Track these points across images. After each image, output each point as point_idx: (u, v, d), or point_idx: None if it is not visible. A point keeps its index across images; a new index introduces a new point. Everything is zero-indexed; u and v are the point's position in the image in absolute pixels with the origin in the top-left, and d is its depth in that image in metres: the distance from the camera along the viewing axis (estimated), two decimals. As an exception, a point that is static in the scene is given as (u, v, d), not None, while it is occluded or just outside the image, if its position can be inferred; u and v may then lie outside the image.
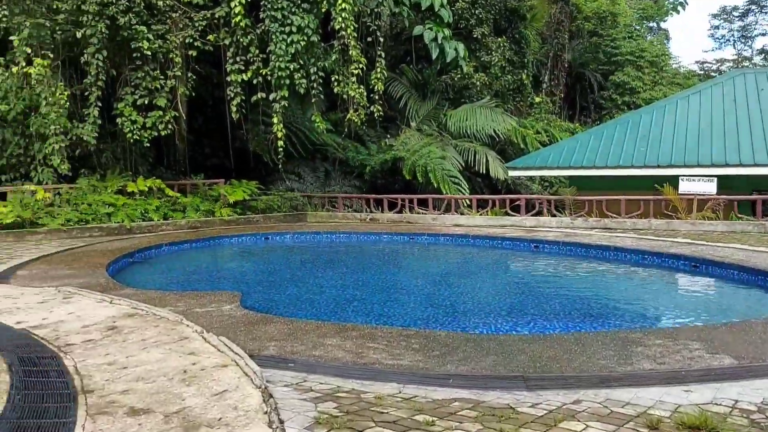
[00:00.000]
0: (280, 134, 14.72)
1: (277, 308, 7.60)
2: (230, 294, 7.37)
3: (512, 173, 18.90)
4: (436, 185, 20.64)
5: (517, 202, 15.97)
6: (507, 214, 15.86)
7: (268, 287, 9.05)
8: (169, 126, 14.45)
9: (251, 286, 9.04)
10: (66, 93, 13.51)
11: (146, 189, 15.24)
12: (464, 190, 21.05)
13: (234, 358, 4.50)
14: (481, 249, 12.69)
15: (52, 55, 13.32)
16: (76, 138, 14.37)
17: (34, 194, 14.00)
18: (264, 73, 14.08)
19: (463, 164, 23.84)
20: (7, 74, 13.25)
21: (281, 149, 15.10)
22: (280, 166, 16.78)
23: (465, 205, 17.22)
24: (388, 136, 23.95)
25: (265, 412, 3.53)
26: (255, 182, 17.71)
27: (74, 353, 4.78)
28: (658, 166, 16.43)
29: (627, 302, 8.21)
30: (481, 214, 15.82)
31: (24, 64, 12.95)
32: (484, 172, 24.12)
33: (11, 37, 13.21)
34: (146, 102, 14.30)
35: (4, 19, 12.85)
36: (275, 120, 14.60)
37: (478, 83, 28.19)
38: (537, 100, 34.41)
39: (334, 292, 8.69)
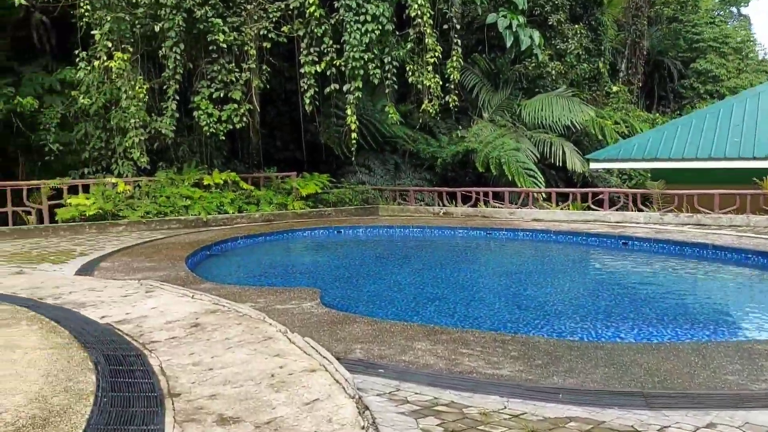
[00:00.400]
0: (353, 126, 14.51)
1: (356, 306, 7.34)
2: (309, 290, 7.16)
3: (593, 166, 18.05)
4: (510, 178, 19.97)
5: (599, 196, 15.18)
6: (589, 208, 15.11)
7: (345, 283, 8.82)
8: (244, 119, 14.47)
9: (328, 282, 8.83)
10: (145, 86, 13.73)
11: (221, 182, 15.36)
12: (539, 182, 20.29)
13: (322, 362, 4.23)
14: (565, 245, 12.06)
15: (131, 49, 13.56)
16: (155, 131, 14.60)
17: (115, 187, 14.32)
18: (338, 64, 13.87)
19: (538, 156, 23.07)
20: (89, 68, 13.56)
21: (354, 141, 14.89)
22: (353, 158, 16.60)
23: (543, 198, 16.55)
24: (460, 127, 23.41)
25: (363, 428, 3.22)
26: (326, 175, 17.59)
27: (159, 351, 4.64)
28: (755, 158, 15.25)
29: (737, 307, 7.51)
30: (561, 208, 15.13)
31: (105, 58, 13.22)
32: (560, 164, 23.27)
33: (93, 32, 13.50)
34: (222, 95, 14.36)
35: (87, 14, 13.14)
36: (348, 111, 14.39)
37: (553, 72, 27.26)
38: (614, 89, 32.99)
39: (413, 290, 8.36)
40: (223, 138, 14.84)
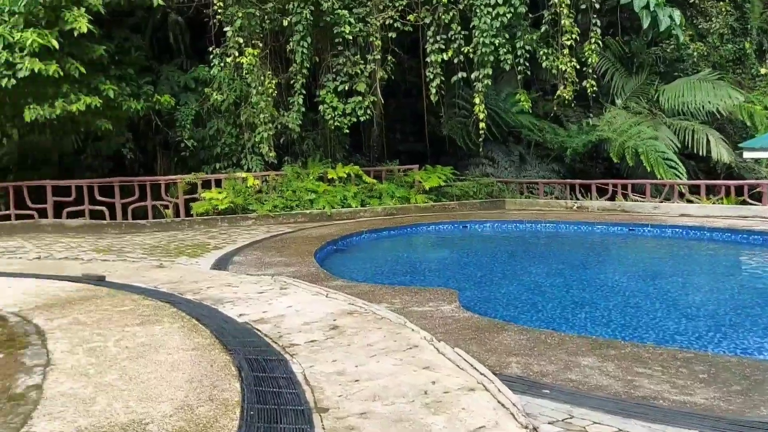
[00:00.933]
0: (481, 115, 13.89)
1: (496, 310, 6.80)
2: (446, 291, 6.71)
3: (747, 155, 16.16)
4: (649, 169, 18.47)
5: (757, 189, 13.54)
6: (744, 202, 13.54)
7: (479, 284, 8.29)
8: (368, 111, 14.29)
9: (461, 282, 8.34)
10: (274, 82, 13.90)
11: (345, 176, 15.31)
12: (681, 174, 18.59)
13: (480, 380, 3.75)
14: (724, 244, 10.80)
15: (261, 45, 13.76)
16: (281, 126, 14.79)
17: (244, 181, 14.66)
18: (466, 51, 13.30)
19: (679, 145, 21.22)
20: (222, 65, 13.92)
21: (482, 132, 14.27)
22: (480, 150, 16.00)
23: (689, 191, 15.08)
24: (591, 115, 22.03)
25: (545, 468, 2.71)
26: (449, 168, 17.09)
27: (300, 356, 4.37)
28: None
29: None
30: (714, 202, 13.67)
31: (237, 54, 13.50)
32: (703, 153, 21.27)
33: (225, 29, 13.84)
34: (346, 88, 14.27)
35: (219, 11, 13.48)
36: (477, 100, 13.79)
37: (695, 54, 25.04)
38: (762, 71, 29.81)
39: (557, 293, 7.68)
40: (347, 131, 14.75)
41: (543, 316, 6.55)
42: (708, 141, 21.46)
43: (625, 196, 15.47)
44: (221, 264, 8.88)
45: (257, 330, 5.10)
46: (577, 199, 15.71)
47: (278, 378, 3.94)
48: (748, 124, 23.05)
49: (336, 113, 14.24)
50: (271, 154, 14.43)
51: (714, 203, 13.65)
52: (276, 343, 4.74)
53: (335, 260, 10.03)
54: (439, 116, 19.94)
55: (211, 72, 14.63)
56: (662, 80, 24.40)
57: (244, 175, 14.73)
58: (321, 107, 14.47)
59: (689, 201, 14.15)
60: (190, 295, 6.46)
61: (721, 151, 20.99)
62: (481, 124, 14.03)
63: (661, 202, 14.63)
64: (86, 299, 6.18)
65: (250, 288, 6.71)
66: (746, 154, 16.07)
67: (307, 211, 14.41)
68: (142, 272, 7.84)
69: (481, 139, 14.77)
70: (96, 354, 4.39)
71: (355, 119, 14.47)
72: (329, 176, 15.22)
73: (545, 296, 7.52)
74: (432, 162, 18.22)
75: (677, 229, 11.80)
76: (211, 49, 14.35)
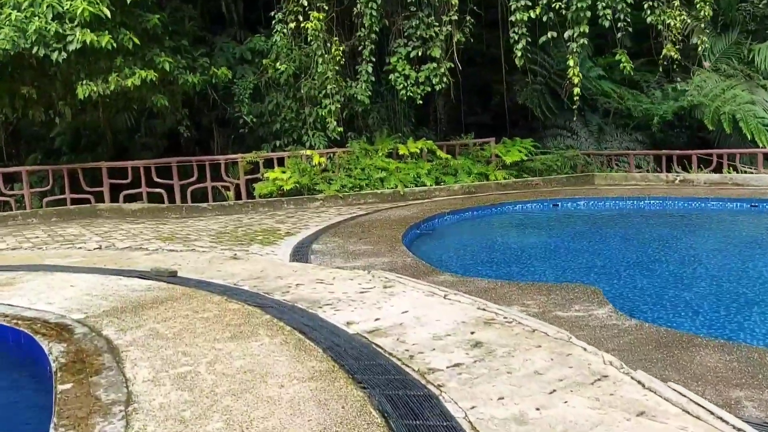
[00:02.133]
0: (576, 80, 12.53)
1: (647, 311, 5.65)
2: (586, 289, 5.60)
3: None
4: (749, 137, 16.77)
5: None
6: None
7: (608, 277, 7.10)
8: (444, 80, 13.10)
9: (582, 274, 7.19)
10: (342, 48, 12.82)
11: (417, 151, 14.20)
12: (784, 141, 16.86)
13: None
14: None
15: (326, 7, 12.68)
16: (347, 98, 13.75)
17: (309, 159, 13.73)
18: (557, 6, 11.93)
19: (784, 109, 19.32)
20: (285, 31, 12.89)
21: (577, 98, 12.91)
22: (574, 119, 14.69)
23: None
24: (679, 79, 20.25)
25: None
26: (530, 140, 15.78)
27: (449, 389, 3.35)
28: None
29: None
30: None
31: (301, 18, 12.47)
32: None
33: (283, -5, 12.84)
34: (419, 54, 13.08)
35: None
36: (571, 63, 12.41)
37: (794, 7, 22.84)
38: None
39: (709, 288, 6.46)
40: (421, 102, 13.60)
41: (706, 320, 5.37)
42: (815, 103, 19.44)
43: (733, 168, 13.93)
44: (300, 253, 7.95)
45: (377, 346, 4.10)
46: (677, 172, 14.23)
47: (437, 429, 2.93)
48: None
49: (408, 82, 13.10)
50: (338, 129, 13.41)
51: None
52: (408, 366, 3.73)
53: (424, 247, 8.99)
54: (512, 85, 18.58)
55: (273, 39, 13.66)
56: (754, 39, 22.34)
57: (308, 152, 13.79)
58: (392, 76, 13.34)
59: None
60: (278, 295, 5.52)
61: (830, 115, 19.00)
62: (576, 90, 12.66)
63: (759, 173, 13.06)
64: (161, 302, 5.32)
65: (346, 285, 5.74)
66: None
67: (378, 191, 13.39)
68: (216, 265, 6.97)
69: (576, 107, 13.41)
70: (188, 385, 3.47)
71: (429, 88, 13.30)
72: (400, 152, 14.15)
73: (695, 292, 6.31)
74: (502, 135, 16.93)
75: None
76: (272, 14, 13.36)
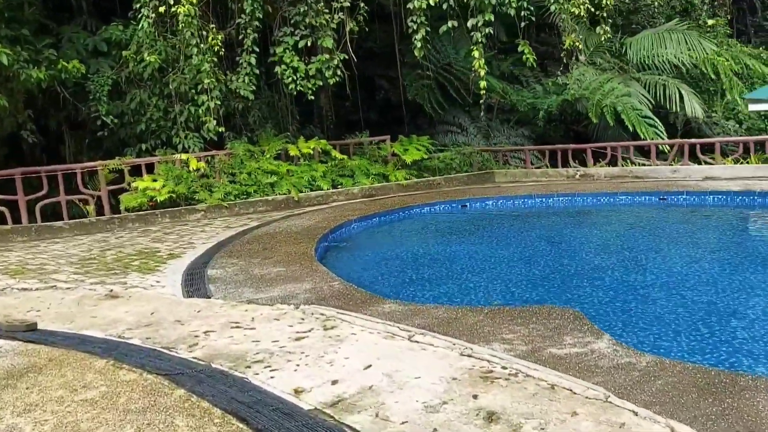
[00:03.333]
0: (482, 72, 11.93)
1: (640, 337, 4.94)
2: (566, 312, 4.79)
3: (754, 108, 15.17)
4: (631, 129, 17.28)
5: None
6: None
7: (566, 290, 6.39)
8: (338, 73, 12.02)
9: (534, 287, 6.45)
10: (219, 37, 11.33)
11: (310, 152, 13.02)
12: (661, 132, 17.53)
13: None
14: None
15: (199, -9, 11.16)
16: (226, 94, 12.28)
17: (185, 165, 12.10)
18: (458, -7, 11.28)
19: (653, 102, 20.21)
20: (151, 18, 11.17)
21: (484, 93, 12.35)
22: (482, 114, 14.15)
23: (667, 150, 13.89)
24: (558, 74, 20.61)
25: None
26: (426, 137, 15.12)
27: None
28: None
29: None
30: (741, 163, 12.47)
31: (171, 2, 10.82)
32: (676, 109, 20.37)
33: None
34: (308, 44, 11.90)
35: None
36: (476, 54, 11.78)
37: (654, 3, 24.33)
38: (710, 22, 29.54)
39: (697, 304, 5.88)
40: (312, 97, 12.43)
41: (707, 344, 4.75)
42: (681, 96, 20.53)
43: (627, 161, 14.11)
44: (195, 283, 6.55)
45: (353, 431, 2.97)
46: (575, 166, 14.19)
47: None
48: (713, 77, 22.42)
49: (298, 75, 11.89)
50: (218, 129, 11.92)
51: (741, 164, 12.44)
52: (413, 464, 2.64)
53: (341, 263, 7.89)
54: (395, 80, 17.93)
55: (134, 29, 11.88)
56: (623, 33, 23.38)
57: (184, 156, 12.16)
58: (278, 68, 12.06)
59: (706, 162, 12.88)
60: (185, 351, 4.21)
61: (694, 106, 20.10)
62: (482, 83, 12.08)
63: (671, 164, 13.32)
64: (18, 375, 3.84)
65: (274, 329, 4.52)
66: (751, 107, 15.07)
67: (269, 198, 12.06)
68: (89, 308, 5.44)
69: (482, 101, 12.89)
70: None
71: (320, 82, 12.17)
72: (291, 153, 12.89)
73: (688, 310, 5.68)
74: (390, 133, 16.16)
75: (720, 196, 10.43)
76: (133, -3, 11.60)
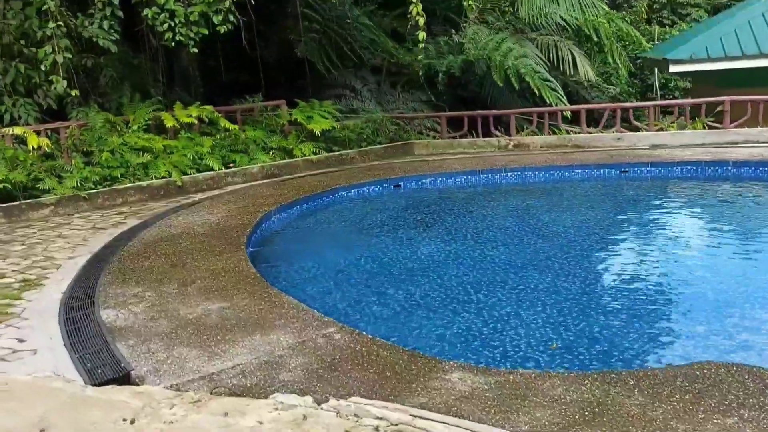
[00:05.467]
0: (421, 21, 9.95)
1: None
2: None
3: (675, 69, 14.71)
4: (537, 93, 16.35)
5: (719, 108, 11.85)
6: (706, 126, 11.82)
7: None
8: (230, 18, 9.53)
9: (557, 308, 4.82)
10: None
11: (194, 122, 10.42)
12: (562, 97, 16.82)
13: None
14: None
15: None
16: (78, 41, 9.36)
17: (22, 143, 9.09)
18: None
19: (549, 64, 19.56)
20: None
21: (422, 44, 10.43)
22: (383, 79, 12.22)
23: (565, 117, 13.15)
24: (454, 31, 19.22)
25: None
26: (329, 102, 12.97)
27: None
28: None
29: None
30: (693, 127, 11.73)
31: None
32: (570, 71, 19.90)
33: None
34: (187, -19, 9.30)
35: None
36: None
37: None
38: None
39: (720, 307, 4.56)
40: (195, 50, 9.84)
41: None
42: (573, 58, 20.03)
43: (555, 128, 13.07)
44: (90, 344, 4.15)
45: None
46: (505, 135, 12.86)
47: None
48: (595, 39, 22.29)
49: (176, 21, 9.24)
50: (72, 92, 9.01)
51: (686, 129, 11.70)
52: None
53: (280, 280, 5.77)
54: (270, 35, 15.59)
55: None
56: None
57: (19, 131, 9.11)
58: (147, 11, 9.31)
59: (654, 129, 12.04)
60: None
61: (586, 69, 19.67)
62: (421, 35, 10.15)
63: (602, 131, 12.39)
64: None
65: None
66: (672, 68, 14.60)
67: (144, 184, 9.40)
68: None
69: (421, 45, 11.02)
70: None
71: (206, 31, 9.62)
72: (167, 124, 10.22)
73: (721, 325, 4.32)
74: (270, 98, 13.83)
75: (690, 167, 9.51)
76: None
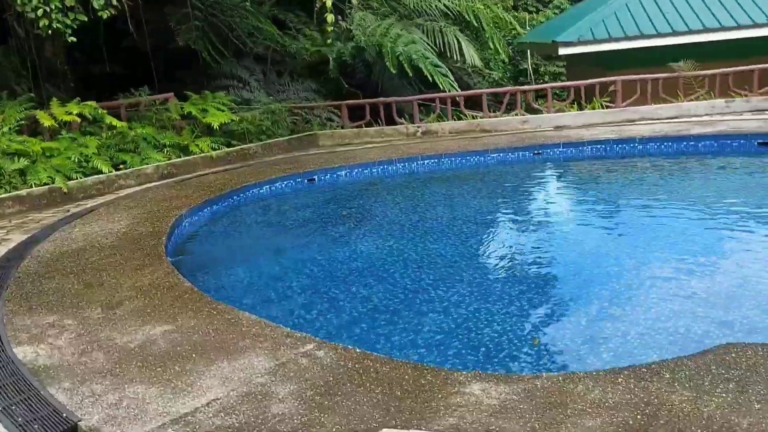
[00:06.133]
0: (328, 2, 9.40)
1: None
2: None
3: (564, 51, 15.08)
4: (431, 80, 16.34)
5: (612, 88, 12.28)
6: (601, 106, 12.23)
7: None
8: (113, 2, 8.56)
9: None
10: None
11: (76, 120, 9.32)
12: (453, 83, 16.98)
13: None
14: (693, 157, 9.10)
15: None
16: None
17: None
18: None
19: (437, 50, 19.65)
20: None
21: (331, 25, 9.88)
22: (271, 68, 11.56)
23: (531, 98, 13.27)
24: (341, 17, 18.78)
25: None
26: (224, 93, 12.16)
27: None
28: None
29: None
30: (582, 109, 12.02)
31: None
32: (456, 57, 20.12)
33: None
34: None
35: None
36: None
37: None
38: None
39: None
40: (73, 39, 8.78)
41: None
42: (459, 44, 20.29)
43: (460, 113, 13.04)
44: (16, 388, 3.41)
45: None
46: (412, 123, 12.67)
47: None
48: (475, 24, 22.75)
49: (52, 6, 8.16)
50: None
51: (583, 110, 12.00)
52: None
53: (225, 289, 5.17)
54: (146, 23, 14.47)
55: None
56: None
57: None
58: (14, -5, 8.16)
59: (536, 111, 12.26)
60: None
61: (472, 54, 20.02)
62: (329, 17, 9.64)
63: (506, 115, 12.51)
64: None
65: None
66: (562, 50, 15.00)
67: (23, 192, 8.29)
68: None
69: (330, 28, 10.50)
70: None
71: (86, 18, 8.60)
72: (44, 123, 9.06)
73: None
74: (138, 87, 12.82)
75: (599, 146, 9.72)
76: None
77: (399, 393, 2.99)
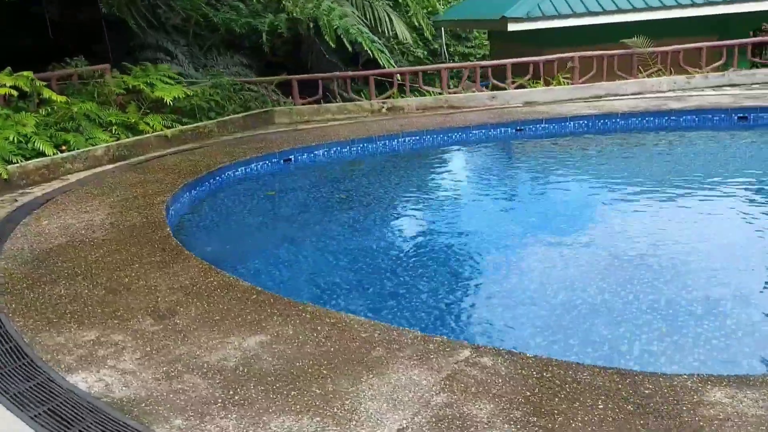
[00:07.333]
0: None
1: None
2: None
3: (514, 27, 14.81)
4: (372, 55, 15.77)
5: (570, 64, 12.18)
6: (547, 82, 12.15)
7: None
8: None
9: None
10: None
11: (11, 92, 7.99)
12: (390, 59, 16.53)
13: None
14: (680, 132, 9.09)
15: None
16: None
17: None
18: None
19: (370, 26, 19.07)
20: None
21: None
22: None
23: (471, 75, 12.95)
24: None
25: None
26: (167, 66, 11.00)
27: None
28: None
29: None
30: (549, 85, 11.83)
31: None
32: (388, 32, 19.62)
33: None
34: None
35: None
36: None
37: None
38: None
39: None
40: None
41: None
42: (390, 19, 19.83)
43: (421, 91, 12.55)
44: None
45: None
46: (358, 98, 12.05)
47: None
48: (400, 0, 22.40)
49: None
50: None
51: (550, 86, 11.83)
52: None
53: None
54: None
55: None
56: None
57: None
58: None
59: (498, 87, 11.98)
60: None
61: (403, 30, 19.64)
62: None
63: (458, 92, 12.14)
64: None
65: None
66: (512, 26, 14.79)
67: (-45, 179, 7.00)
68: None
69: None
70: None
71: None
72: (-28, 98, 7.72)
73: None
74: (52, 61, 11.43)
75: (582, 121, 9.55)
76: None
77: (631, 408, 2.50)
